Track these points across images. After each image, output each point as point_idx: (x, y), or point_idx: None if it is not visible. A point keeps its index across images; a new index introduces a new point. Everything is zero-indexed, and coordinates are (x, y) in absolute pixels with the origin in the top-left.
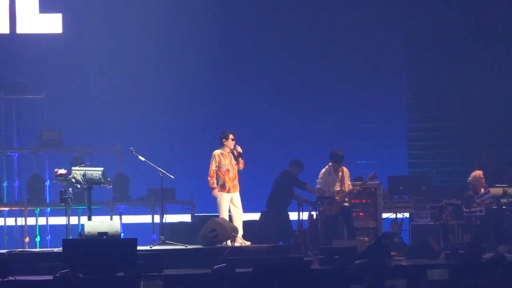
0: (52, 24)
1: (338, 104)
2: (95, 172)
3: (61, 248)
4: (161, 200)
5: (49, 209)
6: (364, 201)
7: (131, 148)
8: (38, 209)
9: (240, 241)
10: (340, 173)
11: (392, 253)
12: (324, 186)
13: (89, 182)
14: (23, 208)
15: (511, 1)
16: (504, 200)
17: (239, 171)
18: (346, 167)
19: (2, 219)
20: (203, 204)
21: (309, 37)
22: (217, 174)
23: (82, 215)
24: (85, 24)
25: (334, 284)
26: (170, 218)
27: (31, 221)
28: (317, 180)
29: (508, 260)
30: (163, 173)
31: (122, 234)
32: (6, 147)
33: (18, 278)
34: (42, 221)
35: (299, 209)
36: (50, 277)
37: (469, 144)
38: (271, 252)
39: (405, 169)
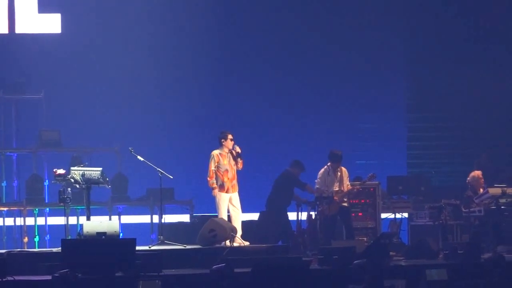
0: (51, 24)
1: (337, 104)
2: (94, 172)
3: (60, 248)
4: (160, 200)
5: (48, 209)
6: (363, 201)
7: (130, 148)
8: (37, 209)
9: (239, 241)
10: (339, 173)
11: (391, 253)
12: (323, 186)
13: (88, 182)
14: (22, 208)
15: (511, 1)
16: (503, 200)
17: (238, 171)
18: (345, 167)
19: (1, 219)
20: (202, 204)
21: (309, 37)
22: (216, 174)
23: (81, 215)
24: (84, 24)
25: (333, 284)
26: (169, 218)
27: (30, 221)
28: (315, 180)
29: (507, 260)
30: (162, 173)
31: (121, 234)
32: (5, 147)
33: (17, 278)
34: (41, 221)
35: (298, 209)
36: (49, 277)
37: (468, 144)
38: (270, 252)
39: (404, 169)
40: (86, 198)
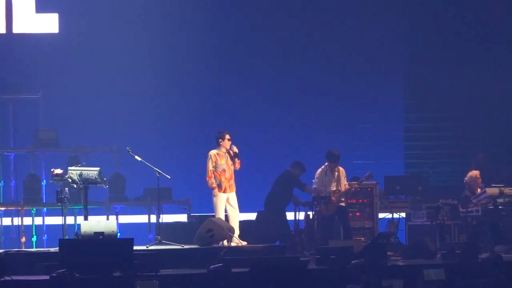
0: (48, 24)
1: (336, 104)
2: (92, 172)
3: (58, 248)
4: (158, 200)
5: (45, 209)
6: (360, 201)
7: (127, 148)
8: (34, 209)
9: (236, 241)
10: (336, 173)
11: (388, 253)
12: (321, 186)
13: (86, 182)
14: (20, 208)
15: (511, 1)
16: (500, 200)
17: (235, 171)
18: (342, 167)
19: None
20: (199, 204)
21: (309, 37)
22: (213, 174)
23: (79, 215)
24: (82, 24)
25: (330, 284)
26: (166, 218)
27: (27, 221)
28: (313, 180)
29: (505, 260)
30: (159, 173)
31: (119, 234)
32: (2, 147)
33: (14, 278)
34: (38, 221)
35: (296, 209)
36: (47, 277)
37: (466, 144)
38: (267, 252)
39: (401, 169)
40: (84, 198)
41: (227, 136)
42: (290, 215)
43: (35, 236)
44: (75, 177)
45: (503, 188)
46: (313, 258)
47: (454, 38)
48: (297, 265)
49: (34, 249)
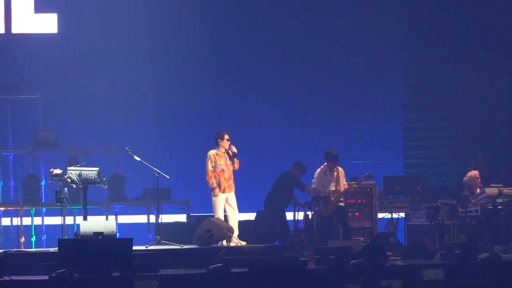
0: (47, 24)
1: (336, 104)
2: (91, 172)
3: (57, 248)
4: (157, 200)
5: (44, 209)
6: (359, 201)
7: (126, 148)
8: (33, 209)
9: (235, 241)
10: (336, 173)
11: (387, 253)
12: (320, 186)
13: (85, 182)
14: (19, 208)
15: (511, 1)
16: (499, 200)
17: (234, 171)
18: (341, 167)
19: None
20: (198, 204)
21: (309, 37)
22: (213, 174)
23: (78, 215)
24: (80, 24)
25: (329, 284)
26: (165, 218)
27: (26, 221)
28: (312, 180)
29: (504, 260)
30: (158, 173)
31: (118, 234)
32: (1, 147)
33: (13, 278)
34: (37, 221)
35: (295, 209)
36: (46, 277)
37: (466, 144)
38: (266, 252)
39: (401, 169)
40: (83, 198)
41: (226, 136)
42: (289, 215)
43: (34, 236)
44: (74, 177)
45: (502, 188)
46: (312, 258)
47: (454, 38)
48: (296, 265)
49: (33, 249)
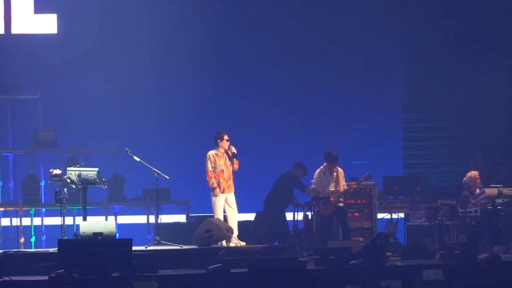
0: (47, 24)
1: (335, 104)
2: (90, 172)
3: (56, 248)
4: (156, 201)
5: (44, 209)
6: (359, 201)
7: (126, 149)
8: (33, 210)
9: (235, 242)
10: (335, 174)
11: (387, 253)
12: (319, 187)
13: (84, 182)
14: (18, 209)
15: (510, 1)
16: (499, 201)
17: (234, 172)
18: (341, 168)
19: None
20: (198, 204)
21: (309, 37)
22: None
23: (77, 215)
24: (80, 24)
25: (329, 285)
26: (165, 219)
27: (26, 221)
28: (312, 181)
29: (503, 261)
30: (158, 173)
31: (117, 235)
32: (1, 147)
33: (13, 278)
34: (37, 221)
35: (295, 210)
36: (45, 278)
37: (465, 144)
38: (266, 253)
39: (400, 170)
40: (83, 199)
41: (226, 137)
42: (289, 216)
43: (34, 237)
44: (74, 178)
45: (501, 189)
46: (312, 258)
47: (453, 38)
48: (295, 265)
49: (32, 250)
